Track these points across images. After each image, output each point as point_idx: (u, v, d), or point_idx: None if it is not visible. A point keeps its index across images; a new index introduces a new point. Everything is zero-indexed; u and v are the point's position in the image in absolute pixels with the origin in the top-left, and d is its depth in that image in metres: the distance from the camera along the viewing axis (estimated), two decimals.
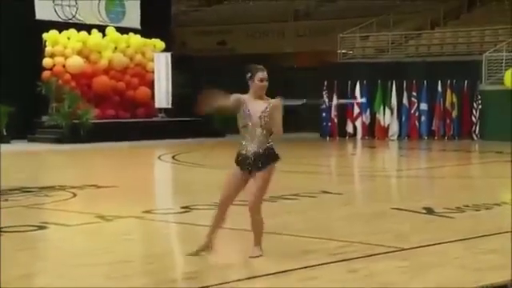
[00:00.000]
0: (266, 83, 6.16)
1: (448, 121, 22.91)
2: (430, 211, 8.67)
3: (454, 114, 22.85)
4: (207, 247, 6.16)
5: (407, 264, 5.99)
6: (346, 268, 5.81)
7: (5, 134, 20.90)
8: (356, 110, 23.70)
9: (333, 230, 7.52)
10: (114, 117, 23.20)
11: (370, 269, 5.80)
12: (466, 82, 22.62)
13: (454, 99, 22.78)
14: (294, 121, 26.54)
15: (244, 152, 6.10)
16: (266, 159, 6.07)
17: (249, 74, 6.16)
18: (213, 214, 6.30)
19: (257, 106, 6.09)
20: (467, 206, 8.95)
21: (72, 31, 22.94)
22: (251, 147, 6.08)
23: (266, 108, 6.08)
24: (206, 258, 6.21)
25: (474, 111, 22.46)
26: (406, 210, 8.74)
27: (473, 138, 22.26)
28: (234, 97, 6.13)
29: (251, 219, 6.22)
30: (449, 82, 22.69)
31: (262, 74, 6.15)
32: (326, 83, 24.08)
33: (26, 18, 22.04)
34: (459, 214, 8.47)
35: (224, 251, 6.39)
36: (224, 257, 6.26)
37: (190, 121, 23.42)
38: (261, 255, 6.12)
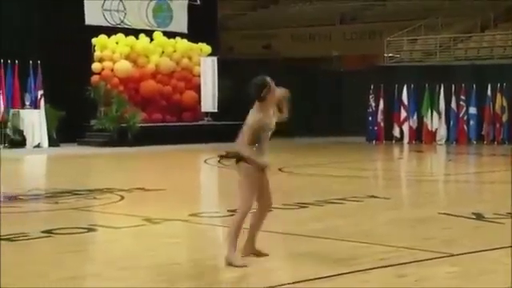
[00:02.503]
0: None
1: (498, 125, 22.50)
2: (479, 217, 8.52)
3: (504, 117, 22.43)
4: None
5: (457, 270, 5.90)
6: (394, 273, 5.75)
7: (55, 137, 21.27)
8: (403, 113, 23.47)
9: (380, 235, 7.44)
10: (161, 120, 23.41)
11: (419, 274, 5.72)
12: None
13: (504, 103, 22.37)
14: (339, 125, 26.57)
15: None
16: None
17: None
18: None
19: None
20: (510, 214, 8.76)
21: (120, 36, 23.24)
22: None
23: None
24: (252, 262, 6.21)
25: None
26: (454, 215, 8.61)
27: None
28: None
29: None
30: (499, 85, 22.30)
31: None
32: (372, 87, 23.90)
33: (76, 23, 22.41)
34: (509, 220, 8.30)
35: (271, 255, 6.38)
36: (271, 260, 6.25)
37: (236, 124, 23.43)
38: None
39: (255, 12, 33.91)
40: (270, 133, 6.14)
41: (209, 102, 24.23)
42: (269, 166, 6.14)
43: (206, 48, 24.78)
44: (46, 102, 21.03)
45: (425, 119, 23.20)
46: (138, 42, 23.47)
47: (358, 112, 24.99)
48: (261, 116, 6.07)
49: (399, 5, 30.39)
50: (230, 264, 5.96)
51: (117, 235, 7.67)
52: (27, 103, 20.87)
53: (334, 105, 26.68)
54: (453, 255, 6.38)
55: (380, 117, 23.87)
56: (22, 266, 6.05)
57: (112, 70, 22.73)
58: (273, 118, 6.18)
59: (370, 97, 23.93)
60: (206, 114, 24.50)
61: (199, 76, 24.36)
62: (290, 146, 18.99)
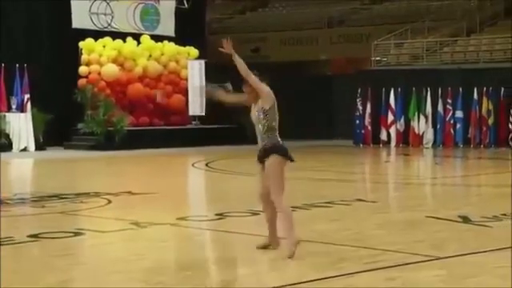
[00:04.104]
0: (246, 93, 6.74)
1: (484, 128, 22.62)
2: (466, 220, 8.56)
3: (491, 121, 22.56)
4: (272, 243, 6.63)
5: (444, 273, 5.91)
6: (382, 276, 5.76)
7: (41, 140, 21.17)
8: (390, 117, 23.55)
9: (368, 239, 7.46)
10: (148, 124, 23.38)
11: (406, 277, 5.74)
12: (502, 89, 22.34)
13: (491, 106, 22.50)
14: (326, 128, 26.60)
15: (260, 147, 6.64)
16: (268, 151, 6.53)
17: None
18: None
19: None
20: (504, 215, 8.81)
21: (107, 39, 23.18)
22: (260, 143, 6.61)
23: (262, 107, 6.56)
24: (240, 266, 6.20)
25: (510, 118, 22.16)
26: (441, 219, 8.65)
27: (510, 146, 21.93)
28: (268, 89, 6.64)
29: (278, 214, 6.57)
30: (485, 89, 22.43)
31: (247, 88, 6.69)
32: (359, 90, 23.97)
33: (63, 26, 22.35)
34: (496, 223, 8.34)
35: (259, 259, 6.38)
36: (258, 264, 6.25)
37: (224, 128, 23.48)
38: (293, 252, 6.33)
39: (243, 16, 33.92)
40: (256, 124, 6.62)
41: (196, 105, 24.21)
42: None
43: (194, 51, 24.77)
44: (32, 105, 20.95)
45: (412, 123, 23.29)
46: (126, 46, 23.42)
47: (345, 115, 25.04)
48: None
49: (386, 9, 30.50)
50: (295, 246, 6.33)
51: (104, 239, 7.65)
52: (13, 107, 20.79)
53: (321, 108, 26.71)
54: (440, 258, 6.41)
55: (367, 120, 23.94)
56: (9, 271, 6.01)
57: (99, 74, 22.67)
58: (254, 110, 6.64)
59: (358, 100, 23.99)
60: (194, 117, 24.48)
61: (187, 79, 24.35)
62: None
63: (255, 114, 6.57)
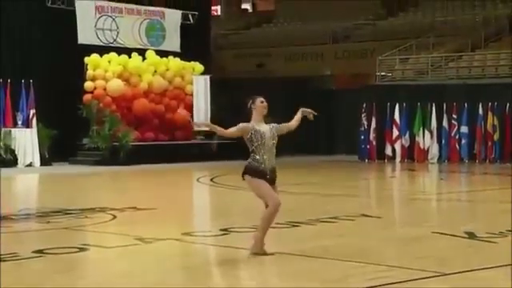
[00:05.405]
0: (266, 103, 7.17)
1: (489, 144, 22.58)
2: (471, 236, 8.53)
3: (496, 136, 22.52)
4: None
5: None
6: None
7: (47, 156, 21.20)
8: (395, 132, 23.54)
9: (372, 254, 7.44)
10: (153, 139, 23.40)
11: None
12: (507, 104, 22.32)
13: (496, 122, 22.47)
14: (331, 143, 26.51)
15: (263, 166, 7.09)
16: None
17: (250, 102, 7.19)
18: (266, 219, 7.02)
19: (264, 127, 7.12)
20: (510, 231, 8.77)
21: (113, 55, 23.26)
22: (269, 161, 7.13)
23: (272, 128, 7.14)
24: (245, 281, 6.18)
25: None
26: (447, 234, 8.61)
27: None
28: (240, 126, 7.11)
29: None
30: (490, 104, 22.41)
31: (261, 98, 7.19)
32: (364, 105, 23.97)
33: (69, 42, 22.43)
34: (502, 239, 8.30)
35: (264, 274, 6.36)
36: (261, 280, 6.23)
37: (229, 143, 23.44)
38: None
39: (248, 31, 34.03)
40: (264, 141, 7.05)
41: (201, 120, 24.20)
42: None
43: (199, 67, 24.83)
44: (38, 120, 20.99)
45: (417, 138, 23.27)
46: (131, 61, 23.49)
47: (350, 130, 25.03)
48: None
49: (391, 24, 30.56)
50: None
51: (109, 255, 7.64)
52: (19, 122, 20.84)
53: (326, 123, 26.71)
54: (445, 274, 6.38)
55: (372, 135, 23.92)
56: (11, 286, 6.01)
57: (104, 89, 22.72)
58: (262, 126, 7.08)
59: (363, 115, 23.99)
60: (199, 132, 24.50)
61: (192, 95, 24.39)
62: (281, 164, 19.01)
63: (268, 131, 7.04)
